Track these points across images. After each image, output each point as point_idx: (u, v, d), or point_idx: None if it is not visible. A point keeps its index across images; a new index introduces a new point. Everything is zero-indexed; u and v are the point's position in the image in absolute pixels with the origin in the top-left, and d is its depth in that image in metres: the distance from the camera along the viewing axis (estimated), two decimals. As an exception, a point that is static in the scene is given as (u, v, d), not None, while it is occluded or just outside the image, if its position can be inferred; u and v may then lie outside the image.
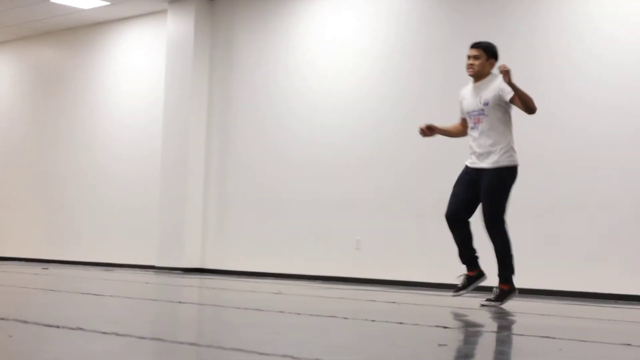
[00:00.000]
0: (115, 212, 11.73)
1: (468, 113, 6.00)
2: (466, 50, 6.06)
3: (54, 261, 12.28)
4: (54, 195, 12.67)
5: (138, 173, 11.53)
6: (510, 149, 5.85)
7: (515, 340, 3.90)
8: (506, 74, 5.63)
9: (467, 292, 5.99)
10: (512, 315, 5.40)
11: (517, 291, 5.92)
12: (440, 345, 3.64)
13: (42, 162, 12.91)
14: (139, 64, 11.76)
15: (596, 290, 7.55)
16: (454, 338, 3.99)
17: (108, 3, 11.18)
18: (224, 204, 10.58)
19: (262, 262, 10.06)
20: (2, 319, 4.01)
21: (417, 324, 4.61)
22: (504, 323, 4.86)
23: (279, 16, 10.21)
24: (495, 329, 4.55)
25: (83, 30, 12.47)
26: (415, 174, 8.84)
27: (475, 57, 5.96)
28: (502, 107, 5.84)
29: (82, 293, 6.28)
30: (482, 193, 5.87)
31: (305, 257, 9.69)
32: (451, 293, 6.10)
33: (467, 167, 6.01)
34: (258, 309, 5.14)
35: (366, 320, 4.60)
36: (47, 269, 10.39)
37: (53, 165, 12.75)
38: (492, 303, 5.84)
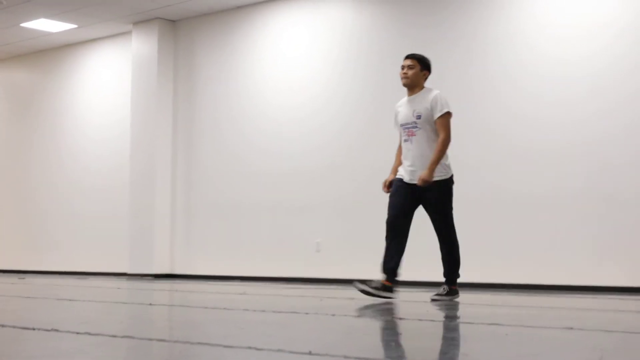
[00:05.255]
0: (88, 223, 11.58)
1: (402, 125, 5.77)
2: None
3: (30, 271, 12.08)
4: (30, 208, 12.47)
5: (108, 185, 11.40)
6: (444, 163, 5.64)
7: (465, 327, 3.91)
8: (424, 182, 5.54)
9: (373, 294, 5.65)
10: (464, 306, 5.42)
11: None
12: (396, 333, 3.64)
13: (17, 178, 12.71)
14: (107, 82, 11.65)
15: (545, 283, 7.61)
16: (409, 328, 3.99)
17: (75, 26, 11.05)
18: (190, 212, 10.49)
19: (228, 265, 9.99)
20: (-21, 323, 3.93)
21: (375, 317, 4.61)
22: (455, 313, 4.87)
23: (237, 34, 10.17)
24: (446, 318, 4.56)
25: (52, 52, 12.32)
26: (368, 181, 8.82)
27: (410, 67, 5.75)
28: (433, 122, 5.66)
29: (57, 299, 6.20)
30: (431, 208, 5.69)
31: (268, 260, 9.64)
32: (358, 285, 5.74)
33: (402, 181, 5.73)
34: (224, 308, 5.11)
35: (326, 314, 4.58)
36: (23, 278, 10.22)
37: (27, 180, 12.54)
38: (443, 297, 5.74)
